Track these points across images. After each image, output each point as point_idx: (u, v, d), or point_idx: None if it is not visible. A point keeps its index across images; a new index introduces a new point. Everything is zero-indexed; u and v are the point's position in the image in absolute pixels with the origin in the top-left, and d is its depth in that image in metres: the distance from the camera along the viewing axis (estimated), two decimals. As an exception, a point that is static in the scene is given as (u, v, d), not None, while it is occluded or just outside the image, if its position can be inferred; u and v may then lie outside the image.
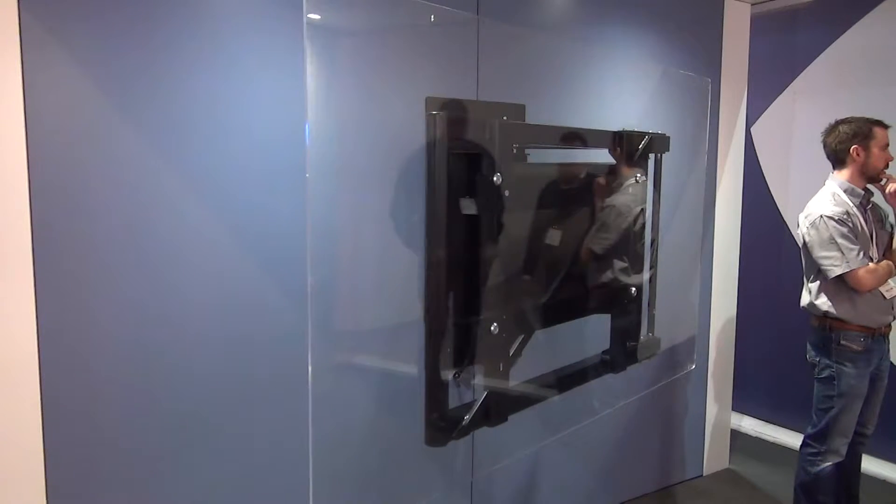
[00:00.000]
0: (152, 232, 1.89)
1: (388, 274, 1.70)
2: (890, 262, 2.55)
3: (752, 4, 3.48)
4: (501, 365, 1.80)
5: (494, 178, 1.69)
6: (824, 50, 3.85)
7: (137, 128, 1.85)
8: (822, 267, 2.52)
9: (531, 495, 2.84)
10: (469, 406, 1.75)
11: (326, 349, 1.45)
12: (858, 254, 2.46)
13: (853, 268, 2.45)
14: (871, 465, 3.43)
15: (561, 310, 2.13)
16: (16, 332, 1.71)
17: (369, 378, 1.70)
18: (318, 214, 1.43)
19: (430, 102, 1.60)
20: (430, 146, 1.60)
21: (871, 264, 2.49)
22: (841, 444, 2.60)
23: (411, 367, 1.70)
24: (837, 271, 2.47)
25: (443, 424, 1.69)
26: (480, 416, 1.74)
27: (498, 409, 1.78)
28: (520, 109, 1.91)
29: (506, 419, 1.81)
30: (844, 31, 3.75)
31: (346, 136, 1.50)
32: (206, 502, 2.05)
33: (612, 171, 2.24)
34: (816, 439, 2.63)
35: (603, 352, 2.27)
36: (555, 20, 2.76)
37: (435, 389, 1.69)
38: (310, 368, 1.38)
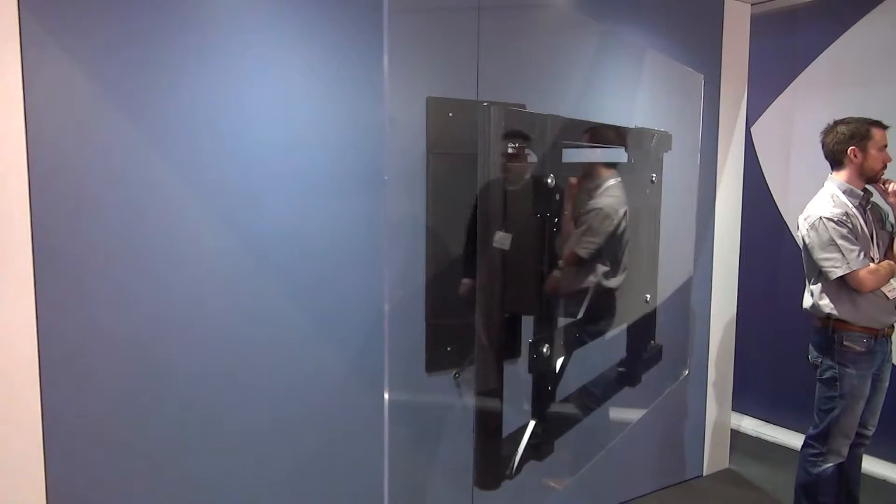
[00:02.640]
0: (152, 231, 1.89)
1: (432, 286, 1.54)
2: (891, 262, 2.53)
3: (752, 4, 3.47)
4: (550, 387, 1.58)
5: (548, 181, 1.46)
6: (824, 50, 3.85)
7: (137, 127, 1.85)
8: (823, 269, 2.51)
9: (530, 495, 2.84)
10: (513, 438, 1.50)
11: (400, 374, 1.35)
12: (859, 255, 2.45)
13: (854, 269, 2.44)
14: (871, 465, 3.43)
15: (598, 323, 1.99)
16: (16, 333, 1.70)
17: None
18: (393, 220, 1.32)
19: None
20: (484, 143, 1.32)
21: (871, 265, 2.48)
22: (842, 445, 2.60)
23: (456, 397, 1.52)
24: (838, 273, 2.46)
25: (496, 466, 1.43)
26: (530, 449, 1.50)
27: (546, 438, 1.54)
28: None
29: (553, 450, 1.60)
30: (844, 31, 3.75)
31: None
32: (205, 502, 2.05)
33: (625, 173, 2.09)
34: (818, 440, 2.63)
35: (618, 364, 2.15)
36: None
37: (487, 424, 1.41)
38: (386, 395, 1.34)
